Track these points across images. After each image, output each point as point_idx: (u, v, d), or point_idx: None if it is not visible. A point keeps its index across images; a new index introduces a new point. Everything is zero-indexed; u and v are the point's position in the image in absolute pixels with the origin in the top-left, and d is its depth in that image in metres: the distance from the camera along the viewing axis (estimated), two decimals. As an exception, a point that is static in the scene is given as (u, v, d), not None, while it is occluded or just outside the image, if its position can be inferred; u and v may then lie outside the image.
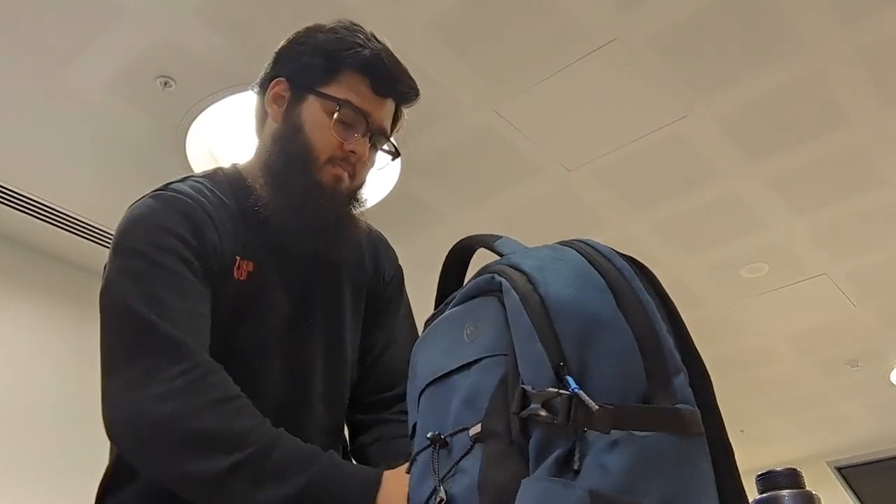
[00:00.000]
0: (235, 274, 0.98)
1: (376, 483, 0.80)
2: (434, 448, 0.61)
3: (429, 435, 0.62)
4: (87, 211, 3.33)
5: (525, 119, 2.78)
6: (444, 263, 0.80)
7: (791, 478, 0.81)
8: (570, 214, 3.34)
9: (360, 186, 1.09)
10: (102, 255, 3.73)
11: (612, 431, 0.52)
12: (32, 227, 3.41)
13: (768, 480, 0.83)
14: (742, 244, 3.55)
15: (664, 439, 0.54)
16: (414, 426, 0.69)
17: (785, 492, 0.80)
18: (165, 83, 2.64)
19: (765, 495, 0.82)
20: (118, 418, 0.85)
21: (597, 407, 0.52)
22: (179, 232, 0.94)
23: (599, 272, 0.61)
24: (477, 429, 0.58)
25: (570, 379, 0.54)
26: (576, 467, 0.52)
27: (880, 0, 2.38)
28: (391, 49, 1.10)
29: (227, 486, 0.78)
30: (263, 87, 1.10)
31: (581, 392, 0.53)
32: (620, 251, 0.64)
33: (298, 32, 1.11)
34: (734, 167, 3.07)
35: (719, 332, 4.29)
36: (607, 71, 2.62)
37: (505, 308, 0.61)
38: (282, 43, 1.12)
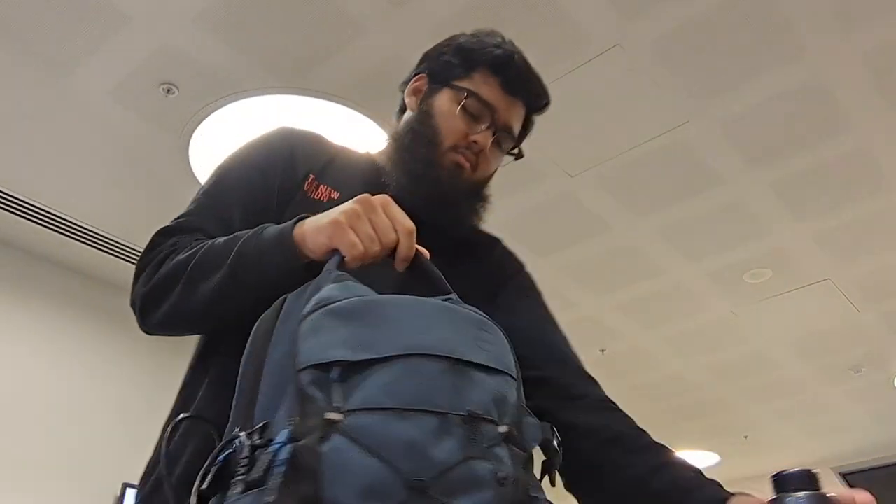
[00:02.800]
0: (307, 187, 1.05)
1: (293, 223, 0.87)
2: (470, 423, 0.66)
3: (463, 412, 0.65)
4: (89, 217, 3.33)
5: (527, 125, 2.78)
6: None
7: (806, 479, 0.79)
8: (573, 220, 3.33)
9: (482, 180, 1.14)
10: (104, 260, 3.75)
11: None
12: (34, 233, 3.42)
13: (784, 482, 0.80)
14: (745, 250, 3.54)
15: None
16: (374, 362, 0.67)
17: (801, 494, 0.78)
18: (168, 90, 2.65)
19: (779, 496, 0.80)
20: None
21: None
22: (250, 154, 1.08)
23: None
24: (505, 429, 0.66)
25: None
26: None
27: (882, 6, 2.38)
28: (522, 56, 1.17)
29: (188, 296, 0.89)
30: (406, 84, 1.20)
31: None
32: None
33: (445, 39, 1.22)
34: (737, 172, 3.07)
35: (722, 337, 4.28)
36: (610, 76, 2.62)
37: (507, 339, 0.75)
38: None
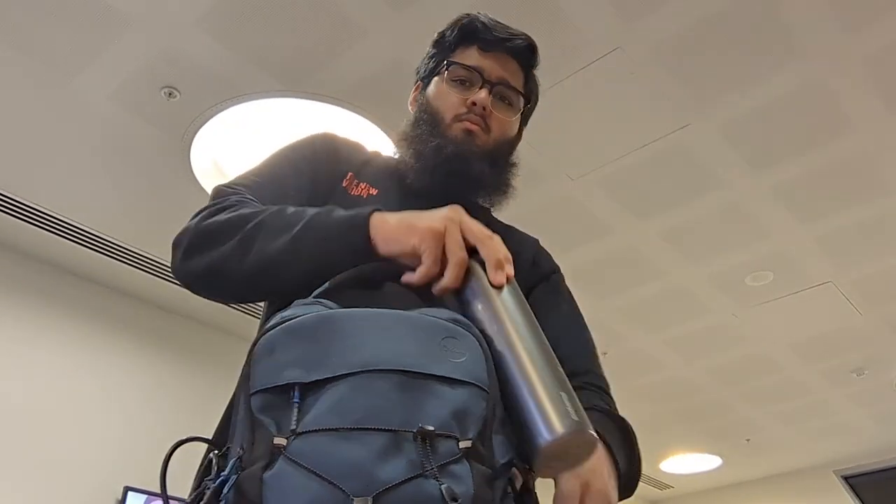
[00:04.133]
0: (345, 183, 1.08)
1: (369, 210, 0.85)
2: (421, 441, 0.63)
3: (415, 429, 0.63)
4: (90, 220, 3.33)
5: (529, 128, 2.77)
6: None
7: None
8: (575, 223, 3.33)
9: (501, 143, 1.15)
10: (105, 264, 3.75)
11: None
12: (33, 236, 3.42)
13: None
14: (747, 252, 3.54)
15: None
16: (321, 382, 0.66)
17: None
18: (170, 93, 2.65)
19: None
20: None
21: None
22: (296, 148, 1.11)
23: None
24: (467, 444, 0.64)
25: None
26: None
27: (883, 8, 2.38)
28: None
29: (240, 254, 0.86)
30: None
31: None
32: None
33: None
34: (738, 175, 3.07)
35: (724, 340, 4.27)
36: (611, 80, 2.63)
37: (482, 348, 0.71)
38: None
